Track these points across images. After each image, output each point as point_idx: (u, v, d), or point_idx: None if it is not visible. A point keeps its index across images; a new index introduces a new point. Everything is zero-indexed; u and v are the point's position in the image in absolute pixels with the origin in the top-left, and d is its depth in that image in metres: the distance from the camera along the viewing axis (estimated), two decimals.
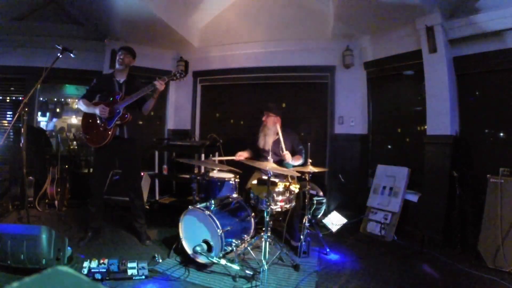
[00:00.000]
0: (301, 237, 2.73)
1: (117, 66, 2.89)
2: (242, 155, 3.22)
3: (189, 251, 2.54)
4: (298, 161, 3.24)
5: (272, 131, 3.27)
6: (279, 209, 2.69)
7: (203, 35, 4.59)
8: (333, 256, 2.81)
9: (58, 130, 5.62)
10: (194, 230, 2.55)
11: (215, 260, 2.38)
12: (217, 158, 3.36)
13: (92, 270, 2.21)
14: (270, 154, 3.18)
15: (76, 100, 2.97)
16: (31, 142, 3.89)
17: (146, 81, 2.99)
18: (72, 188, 4.13)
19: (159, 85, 2.74)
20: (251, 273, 2.32)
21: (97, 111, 2.77)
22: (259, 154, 3.37)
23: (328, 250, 2.86)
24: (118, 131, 2.84)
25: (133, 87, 2.85)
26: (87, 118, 2.92)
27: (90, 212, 3.00)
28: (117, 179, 3.91)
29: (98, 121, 2.83)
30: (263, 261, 2.28)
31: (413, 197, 3.37)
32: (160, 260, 2.56)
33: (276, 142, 3.25)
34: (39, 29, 4.42)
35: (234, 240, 2.56)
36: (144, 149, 4.72)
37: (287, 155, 3.10)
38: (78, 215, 3.70)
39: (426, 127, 3.28)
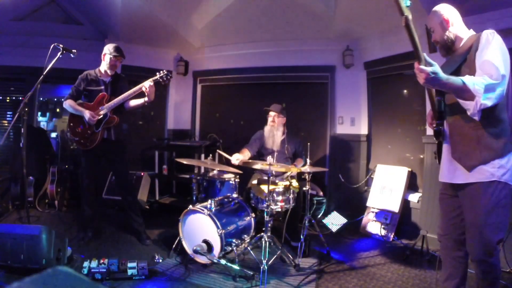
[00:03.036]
0: (301, 237, 2.73)
1: (108, 70, 2.83)
2: (238, 159, 3.07)
3: (189, 251, 2.54)
4: (300, 164, 3.31)
5: (280, 131, 3.34)
6: (279, 209, 2.69)
7: (203, 35, 4.59)
8: (333, 256, 2.81)
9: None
10: (194, 230, 2.56)
11: (215, 260, 2.38)
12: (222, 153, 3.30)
13: (92, 270, 2.21)
14: (276, 155, 3.22)
15: (62, 100, 2.92)
16: (31, 142, 3.89)
17: (135, 80, 2.96)
18: (72, 188, 4.13)
19: (149, 90, 2.68)
20: (251, 273, 2.32)
21: (85, 117, 2.73)
22: (262, 154, 3.39)
23: (328, 250, 2.87)
24: (105, 133, 2.82)
25: (119, 87, 2.83)
26: (74, 119, 2.87)
27: (86, 214, 2.99)
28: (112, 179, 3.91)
29: (86, 124, 2.80)
30: (263, 261, 2.28)
31: (413, 197, 3.37)
32: (160, 260, 2.56)
33: (282, 142, 3.34)
34: (39, 29, 4.42)
35: (234, 240, 2.56)
36: (143, 149, 4.75)
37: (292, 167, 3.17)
38: (78, 215, 3.70)
39: (426, 127, 3.28)
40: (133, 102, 2.86)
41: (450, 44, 1.62)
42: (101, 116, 2.75)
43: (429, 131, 3.23)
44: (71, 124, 2.90)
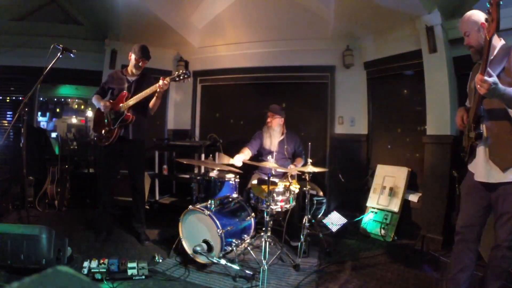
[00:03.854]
0: (301, 237, 2.73)
1: (133, 69, 2.86)
2: (240, 160, 3.14)
3: (189, 251, 2.54)
4: (300, 164, 3.31)
5: (277, 132, 3.33)
6: (279, 209, 2.69)
7: (203, 35, 4.59)
8: (333, 256, 2.81)
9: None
10: (194, 230, 2.56)
11: (215, 260, 2.38)
12: (219, 163, 3.35)
13: (92, 270, 2.21)
14: (274, 155, 3.22)
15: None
16: (31, 142, 3.89)
17: (155, 78, 2.95)
18: (72, 188, 4.13)
19: (162, 86, 2.69)
20: (251, 273, 2.32)
21: (101, 107, 2.84)
22: (261, 153, 3.39)
23: (328, 250, 2.86)
24: (122, 132, 2.84)
25: (143, 86, 2.81)
26: (98, 115, 2.98)
27: (99, 211, 3.02)
28: (117, 178, 3.89)
29: (106, 121, 2.87)
30: (263, 261, 2.28)
31: (413, 197, 3.37)
32: (160, 260, 2.56)
33: (281, 143, 3.34)
34: (39, 29, 4.42)
35: (234, 240, 2.56)
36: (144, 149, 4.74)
37: (292, 167, 3.17)
38: (78, 215, 3.70)
39: (426, 127, 3.28)
40: (151, 104, 2.89)
41: (484, 49, 1.71)
42: (119, 107, 2.80)
43: (429, 131, 3.24)
44: (95, 120, 3.02)
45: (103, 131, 2.88)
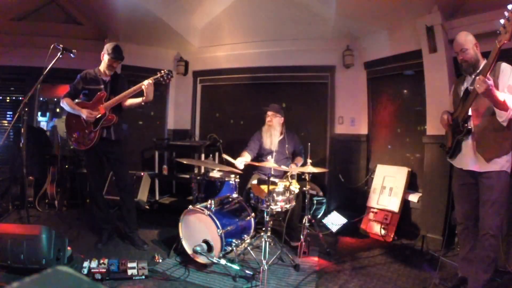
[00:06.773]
0: (301, 237, 2.73)
1: (106, 70, 2.79)
2: (243, 162, 3.12)
3: (189, 251, 2.54)
4: (300, 163, 3.32)
5: (277, 131, 3.33)
6: (279, 209, 2.69)
7: (203, 35, 4.59)
8: (333, 256, 2.81)
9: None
10: (194, 230, 2.56)
11: (215, 260, 2.38)
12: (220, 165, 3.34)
13: (92, 270, 2.22)
14: (274, 155, 3.22)
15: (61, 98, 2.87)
16: (31, 142, 3.89)
17: (134, 79, 2.93)
18: (72, 188, 4.13)
19: (147, 88, 2.66)
20: (251, 273, 2.32)
21: (83, 115, 2.68)
22: (262, 154, 3.39)
23: (328, 250, 2.86)
24: (105, 133, 2.77)
25: (118, 86, 2.79)
26: (72, 119, 2.82)
27: (98, 216, 2.97)
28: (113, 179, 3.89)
29: (84, 123, 2.74)
30: (263, 261, 2.28)
31: (413, 197, 3.37)
32: (160, 260, 2.56)
33: (281, 142, 3.33)
34: (39, 29, 4.42)
35: (234, 240, 2.56)
36: (143, 149, 4.75)
37: (293, 166, 3.19)
38: (78, 215, 3.70)
39: (426, 127, 3.28)
40: (129, 101, 2.83)
41: (476, 64, 2.03)
42: (99, 114, 2.70)
43: (429, 131, 3.24)
44: (68, 123, 2.86)
45: (83, 134, 2.76)
